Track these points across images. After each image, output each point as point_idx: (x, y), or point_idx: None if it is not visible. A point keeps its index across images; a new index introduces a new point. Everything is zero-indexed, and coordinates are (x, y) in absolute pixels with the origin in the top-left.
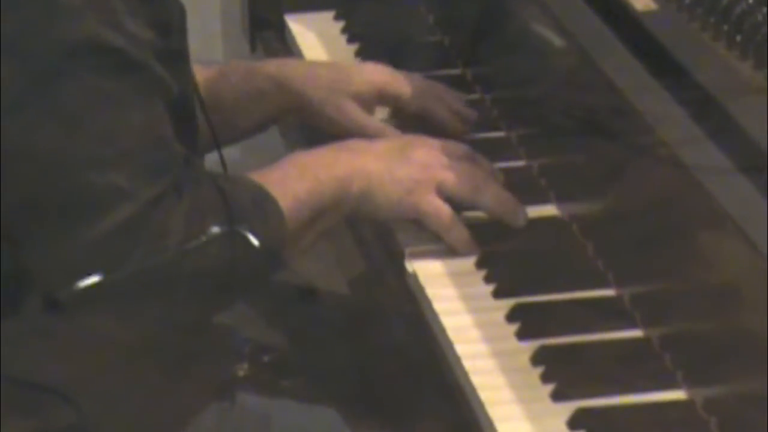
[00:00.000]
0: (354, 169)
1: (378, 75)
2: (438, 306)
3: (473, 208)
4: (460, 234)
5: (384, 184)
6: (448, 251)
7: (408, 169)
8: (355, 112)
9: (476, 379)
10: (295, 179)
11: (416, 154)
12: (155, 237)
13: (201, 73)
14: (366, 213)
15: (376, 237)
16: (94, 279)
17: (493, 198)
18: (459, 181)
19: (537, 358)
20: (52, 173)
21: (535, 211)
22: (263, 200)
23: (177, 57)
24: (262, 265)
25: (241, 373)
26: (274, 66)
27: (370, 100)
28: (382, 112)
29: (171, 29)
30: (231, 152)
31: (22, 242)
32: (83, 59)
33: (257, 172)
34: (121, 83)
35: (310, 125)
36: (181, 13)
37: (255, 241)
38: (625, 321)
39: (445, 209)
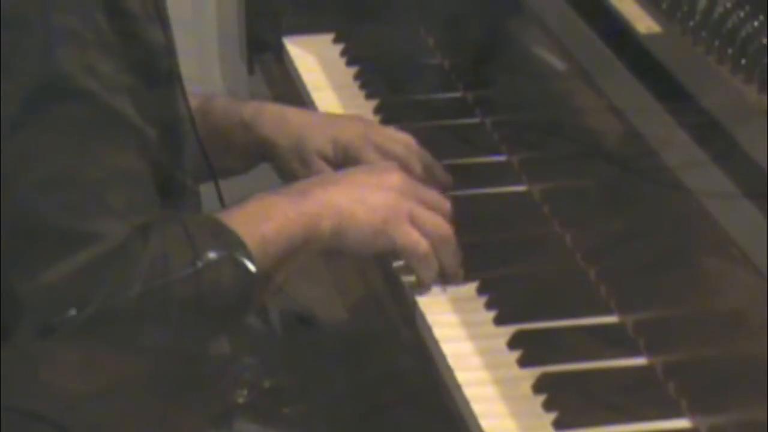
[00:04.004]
0: (323, 204)
1: (349, 135)
2: (438, 332)
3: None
4: (431, 272)
5: (356, 216)
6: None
7: (382, 197)
8: (321, 171)
9: (477, 407)
10: (262, 219)
11: (390, 180)
12: (115, 282)
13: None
14: (339, 248)
15: (375, 262)
16: (55, 317)
17: (453, 256)
18: (434, 222)
19: (539, 386)
20: (16, 211)
21: (538, 236)
22: (229, 242)
23: (167, 80)
24: (233, 305)
25: (240, 399)
26: (249, 112)
27: (336, 159)
28: None
29: (156, 56)
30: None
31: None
32: (51, 100)
33: (222, 211)
34: (90, 127)
35: (282, 176)
36: (169, 36)
37: (222, 280)
38: (629, 348)
39: (422, 244)
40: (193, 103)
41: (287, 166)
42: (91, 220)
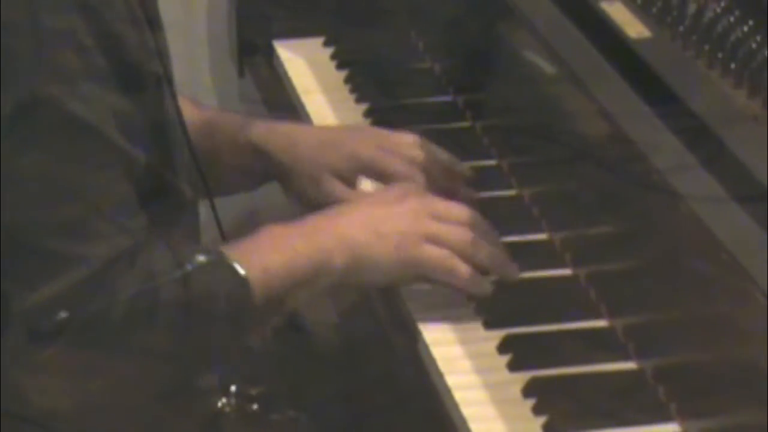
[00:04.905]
0: (335, 237)
1: (366, 149)
2: (429, 336)
3: None
4: (465, 272)
5: (370, 247)
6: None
7: (395, 224)
8: (333, 188)
9: (467, 411)
10: (268, 250)
11: (402, 204)
12: (102, 304)
13: (192, 113)
14: (357, 283)
15: None
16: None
17: (487, 257)
18: (452, 233)
19: (529, 390)
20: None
21: (527, 240)
22: (224, 270)
23: (155, 84)
24: (227, 336)
25: (227, 408)
26: (259, 133)
27: (350, 175)
28: None
29: (141, 59)
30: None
31: None
32: (31, 120)
33: (231, 242)
34: (73, 147)
35: (290, 195)
36: (160, 39)
37: (213, 310)
38: (618, 352)
39: (443, 253)
40: (200, 115)
41: (298, 187)
42: (77, 242)
